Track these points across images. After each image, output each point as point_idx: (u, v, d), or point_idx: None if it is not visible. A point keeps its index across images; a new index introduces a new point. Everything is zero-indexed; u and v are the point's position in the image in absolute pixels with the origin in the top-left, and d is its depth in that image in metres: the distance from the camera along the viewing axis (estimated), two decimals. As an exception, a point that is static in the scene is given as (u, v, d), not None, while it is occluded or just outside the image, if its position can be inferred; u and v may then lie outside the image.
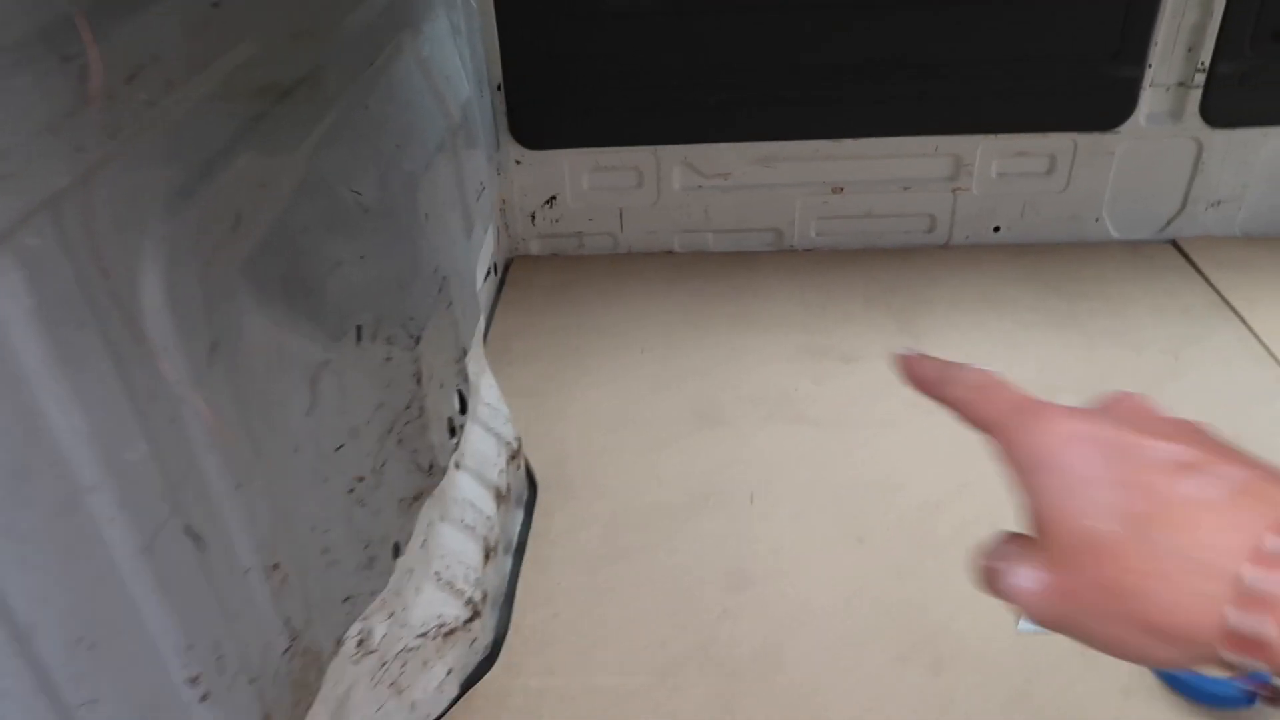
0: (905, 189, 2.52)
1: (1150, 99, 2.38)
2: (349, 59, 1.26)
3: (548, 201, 2.54)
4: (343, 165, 1.15)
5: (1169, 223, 2.56)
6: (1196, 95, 2.35)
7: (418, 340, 1.29)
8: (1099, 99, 2.38)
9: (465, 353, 1.64)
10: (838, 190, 2.53)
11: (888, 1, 2.27)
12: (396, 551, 1.26)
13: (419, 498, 1.34)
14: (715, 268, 2.54)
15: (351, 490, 1.11)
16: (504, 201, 2.53)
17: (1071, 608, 0.43)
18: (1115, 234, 2.57)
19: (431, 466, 1.37)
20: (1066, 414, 0.45)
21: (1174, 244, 2.56)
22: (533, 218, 2.57)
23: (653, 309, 2.38)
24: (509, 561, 1.68)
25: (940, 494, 1.79)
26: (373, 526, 1.18)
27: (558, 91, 2.40)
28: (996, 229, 2.58)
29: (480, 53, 2.18)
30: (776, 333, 2.27)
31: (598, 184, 2.53)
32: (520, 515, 1.78)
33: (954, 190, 2.52)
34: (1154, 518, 0.40)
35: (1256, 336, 2.18)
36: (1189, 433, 0.44)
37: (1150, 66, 2.33)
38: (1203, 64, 2.31)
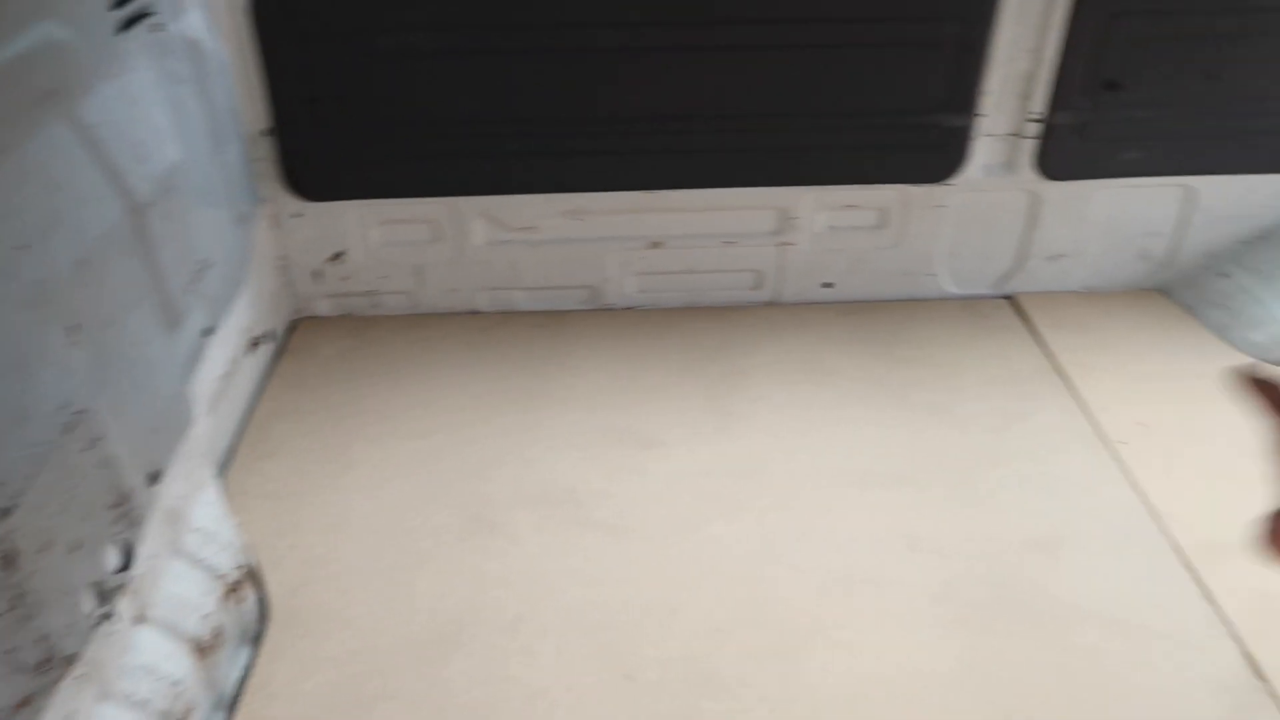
0: (728, 244, 2.32)
1: (984, 150, 2.22)
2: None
3: (334, 257, 2.28)
4: None
5: (1006, 278, 2.42)
6: (1031, 146, 2.21)
7: (7, 511, 1.03)
8: (929, 150, 2.22)
9: (156, 477, 1.37)
10: (656, 245, 2.32)
11: (699, 49, 2.07)
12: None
13: (27, 703, 1.08)
14: (523, 329, 2.31)
15: None
16: (283, 259, 2.26)
17: None
18: (951, 289, 2.42)
19: (48, 661, 1.10)
20: None
21: (1011, 300, 2.42)
22: (318, 275, 2.30)
23: (444, 382, 2.13)
24: (211, 727, 1.43)
25: (724, 617, 1.59)
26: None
27: (339, 138, 2.13)
28: (827, 285, 2.40)
29: (229, 99, 1.90)
30: (576, 411, 2.05)
31: (390, 238, 2.27)
32: (242, 660, 1.53)
33: (780, 245, 2.33)
34: None
35: (1084, 411, 2.05)
36: None
37: (981, 116, 2.17)
38: (1036, 114, 2.17)
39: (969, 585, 1.66)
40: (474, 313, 2.37)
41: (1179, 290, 2.41)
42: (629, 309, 2.39)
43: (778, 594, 1.64)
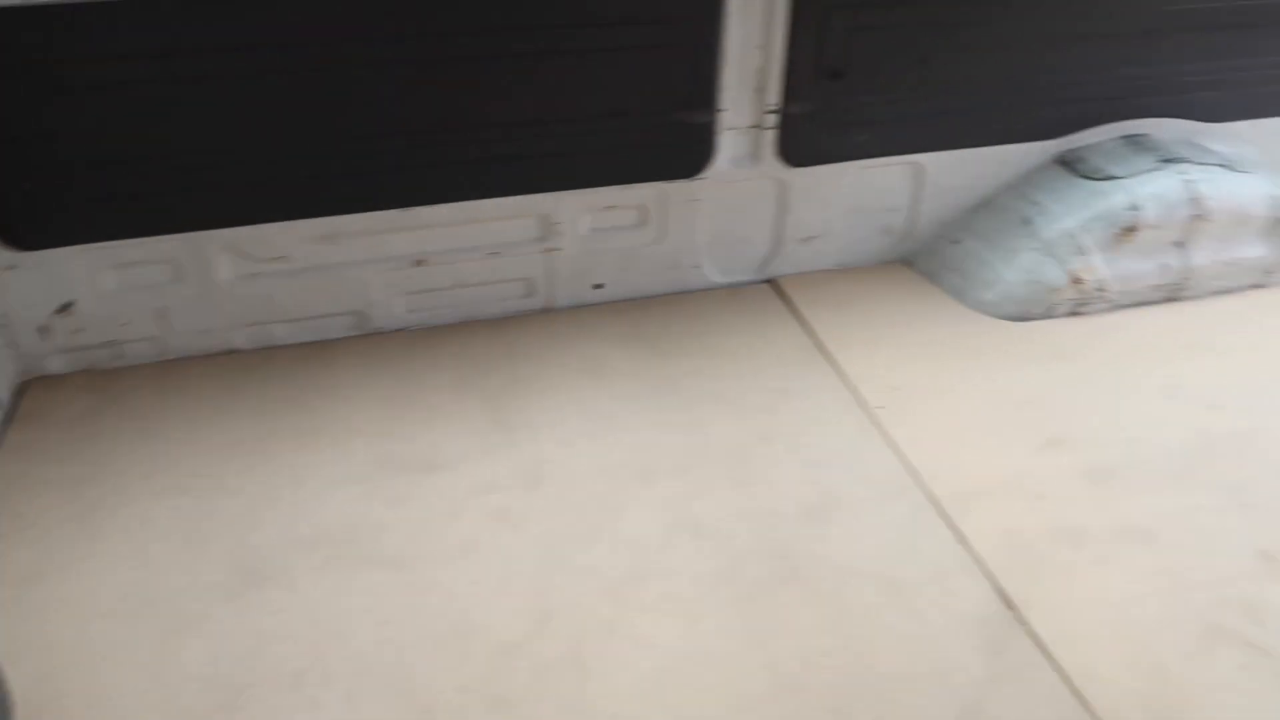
0: (494, 255, 2.30)
1: (729, 143, 2.31)
2: None
3: (62, 309, 2.08)
4: None
5: (765, 263, 2.53)
6: (772, 137, 2.31)
7: None
8: (678, 147, 2.28)
9: None
10: (420, 263, 2.26)
11: (441, 62, 2.03)
12: None
13: None
14: (287, 365, 2.20)
15: None
16: (1, 316, 2.05)
17: None
18: (716, 279, 2.50)
19: None
20: None
21: (772, 283, 2.53)
22: (45, 331, 2.10)
23: (203, 430, 2.00)
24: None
25: (519, 631, 1.58)
26: None
27: (50, 180, 1.95)
28: (598, 286, 2.43)
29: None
30: (351, 443, 1.98)
31: (125, 282, 2.10)
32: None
33: (546, 251, 2.33)
34: None
35: (845, 381, 2.17)
36: None
37: (723, 111, 2.25)
38: (773, 106, 2.27)
39: (752, 563, 1.72)
40: (231, 352, 2.23)
41: (920, 259, 2.60)
42: (400, 331, 2.32)
43: (569, 600, 1.64)
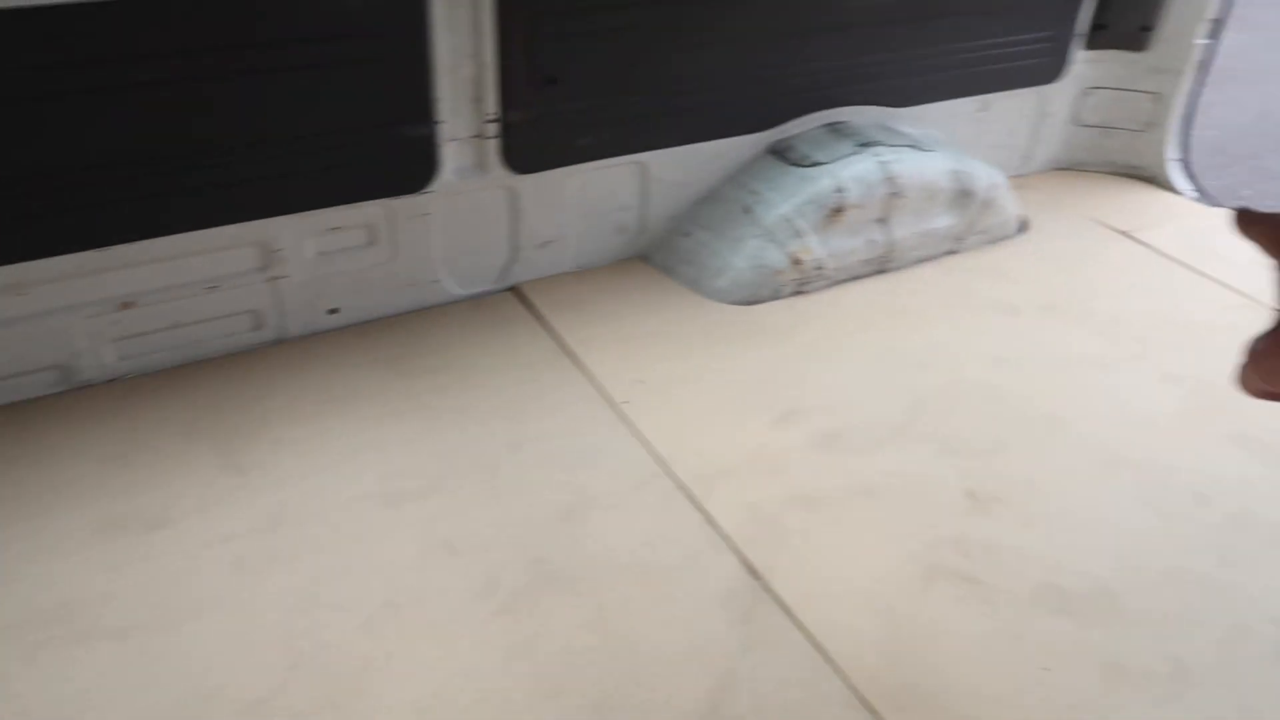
0: (212, 289, 2.17)
1: (453, 155, 2.29)
2: None
3: None
4: None
5: (505, 271, 2.53)
6: (495, 145, 2.32)
7: None
8: (399, 162, 2.24)
9: None
10: (128, 306, 2.10)
11: (131, 87, 1.89)
12: None
13: None
14: (-20, 433, 1.98)
15: None
16: None
17: None
18: (458, 291, 2.48)
19: None
20: None
21: (515, 290, 2.54)
22: None
23: (-122, 519, 1.76)
24: None
25: (266, 686, 1.50)
26: None
27: None
28: (333, 311, 2.34)
29: None
30: (62, 509, 1.80)
31: None
32: None
33: (271, 280, 2.22)
34: None
35: (591, 380, 2.21)
36: None
37: (442, 123, 2.23)
38: (492, 115, 2.27)
39: (509, 573, 1.72)
40: (-91, 427, 1.98)
41: (655, 254, 2.69)
42: (113, 381, 2.14)
43: (322, 641, 1.58)
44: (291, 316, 2.29)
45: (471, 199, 2.38)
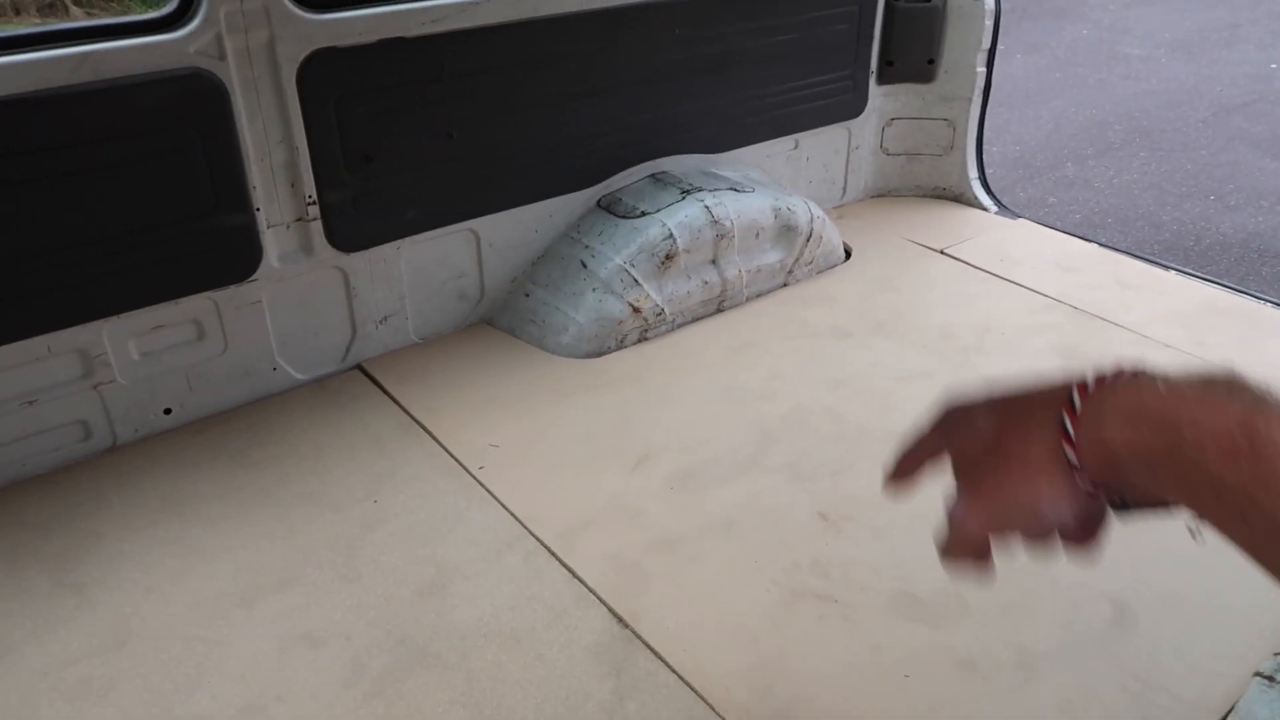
0: (30, 403, 2.06)
1: (276, 241, 2.25)
2: None
3: None
4: None
5: (348, 351, 2.50)
6: (318, 227, 2.29)
7: None
8: (220, 253, 2.19)
9: None
10: (-68, 433, 1.97)
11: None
12: None
13: None
14: None
15: None
16: None
17: (986, 499, 0.63)
18: (300, 377, 2.43)
19: None
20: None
21: (360, 368, 2.51)
22: None
23: None
24: None
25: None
26: None
27: None
28: (168, 411, 2.25)
29: None
30: (-126, 662, 1.66)
31: None
32: None
33: (96, 387, 2.13)
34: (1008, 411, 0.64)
35: (445, 450, 2.20)
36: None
37: (259, 210, 2.20)
38: (311, 197, 2.25)
39: (376, 657, 1.68)
40: None
41: (499, 317, 2.71)
42: (-75, 514, 2.00)
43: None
44: (122, 422, 2.19)
45: (302, 282, 2.35)
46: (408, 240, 2.45)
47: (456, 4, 2.29)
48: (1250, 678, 1.60)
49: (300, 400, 2.39)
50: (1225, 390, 0.53)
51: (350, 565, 1.89)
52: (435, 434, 2.25)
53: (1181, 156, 5.96)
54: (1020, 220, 3.35)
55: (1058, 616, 1.77)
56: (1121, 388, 0.57)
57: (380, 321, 2.52)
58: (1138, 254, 3.18)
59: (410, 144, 2.35)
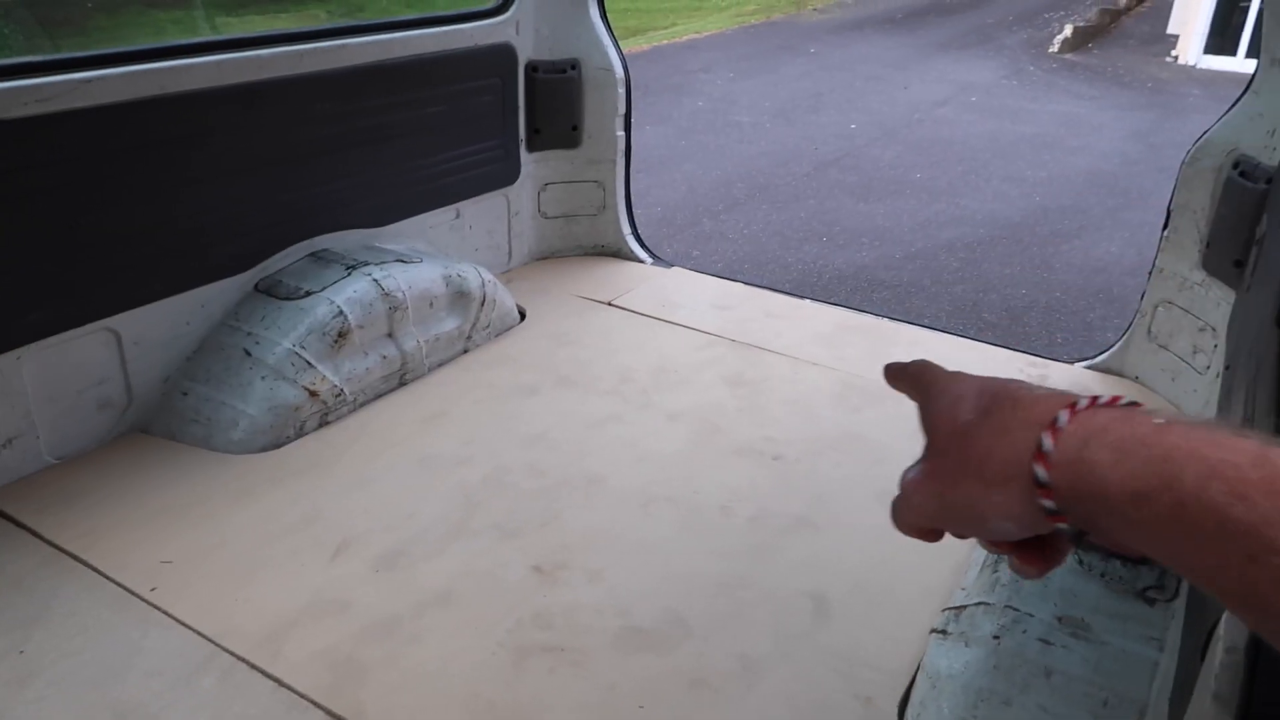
0: None
1: None
2: None
3: None
4: None
5: (-37, 485, 2.12)
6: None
7: None
8: None
9: None
10: None
11: None
12: None
13: None
14: None
15: None
16: None
17: (938, 483, 0.61)
18: (-100, 524, 2.02)
19: None
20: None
21: (-18, 505, 2.14)
22: None
23: None
24: None
25: None
26: None
27: None
28: None
29: None
30: None
31: None
32: None
33: None
34: (996, 407, 0.60)
35: (107, 577, 1.92)
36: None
37: None
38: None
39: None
40: None
41: (154, 422, 2.43)
42: None
43: None
44: None
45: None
46: (31, 347, 2.14)
47: (66, 81, 2.06)
48: (929, 635, 1.80)
49: (-95, 552, 1.99)
50: (1233, 430, 0.50)
51: (-1, 732, 1.58)
52: (91, 562, 1.96)
53: (796, 206, 6.75)
54: (674, 269, 3.60)
55: (768, 620, 1.88)
56: (1115, 417, 0.54)
57: (4, 446, 2.17)
58: (778, 289, 3.53)
59: (28, 237, 2.07)
